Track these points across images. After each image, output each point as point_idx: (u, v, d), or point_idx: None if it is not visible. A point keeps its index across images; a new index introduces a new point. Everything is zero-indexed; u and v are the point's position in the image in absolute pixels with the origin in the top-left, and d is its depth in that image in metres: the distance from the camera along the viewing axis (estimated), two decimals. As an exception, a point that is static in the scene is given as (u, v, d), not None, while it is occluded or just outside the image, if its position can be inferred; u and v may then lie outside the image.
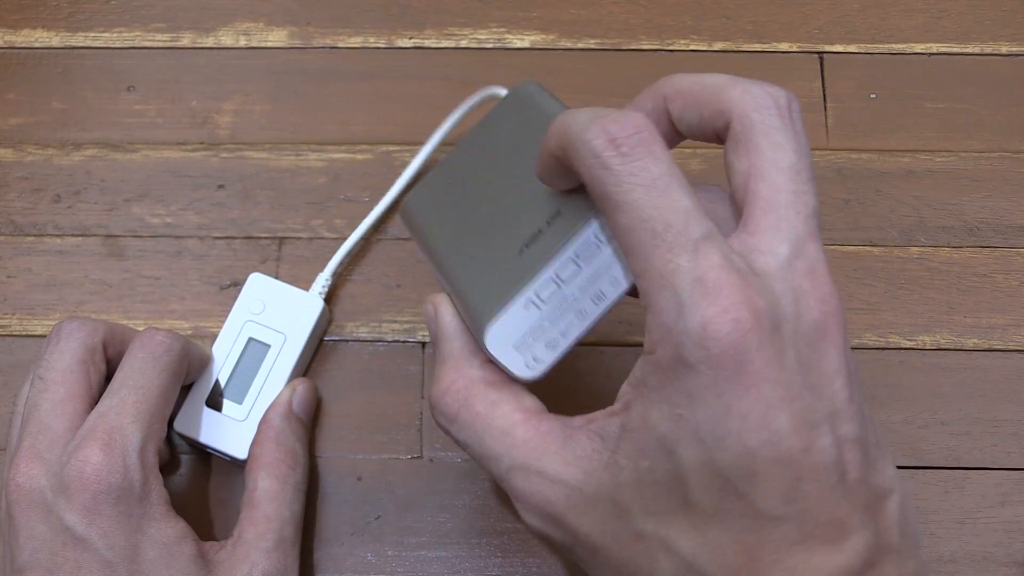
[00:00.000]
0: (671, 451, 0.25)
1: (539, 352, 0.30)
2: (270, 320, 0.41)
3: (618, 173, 0.25)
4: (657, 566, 0.25)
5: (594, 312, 0.31)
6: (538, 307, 0.30)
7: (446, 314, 0.31)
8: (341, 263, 0.43)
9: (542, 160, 0.29)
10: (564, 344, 0.30)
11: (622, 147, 0.25)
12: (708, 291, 0.24)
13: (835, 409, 0.25)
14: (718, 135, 0.28)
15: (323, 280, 0.42)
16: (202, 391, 0.40)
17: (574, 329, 0.30)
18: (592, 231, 0.30)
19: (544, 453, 0.27)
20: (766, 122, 0.26)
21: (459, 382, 0.30)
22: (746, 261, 0.25)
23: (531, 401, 0.29)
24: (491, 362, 0.30)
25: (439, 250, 0.33)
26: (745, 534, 0.24)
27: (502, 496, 0.40)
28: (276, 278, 0.42)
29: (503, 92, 0.41)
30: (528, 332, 0.30)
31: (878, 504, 0.25)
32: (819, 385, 0.25)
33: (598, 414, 0.27)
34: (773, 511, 0.24)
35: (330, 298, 0.43)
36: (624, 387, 0.27)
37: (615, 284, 0.30)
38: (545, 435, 0.28)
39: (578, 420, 0.28)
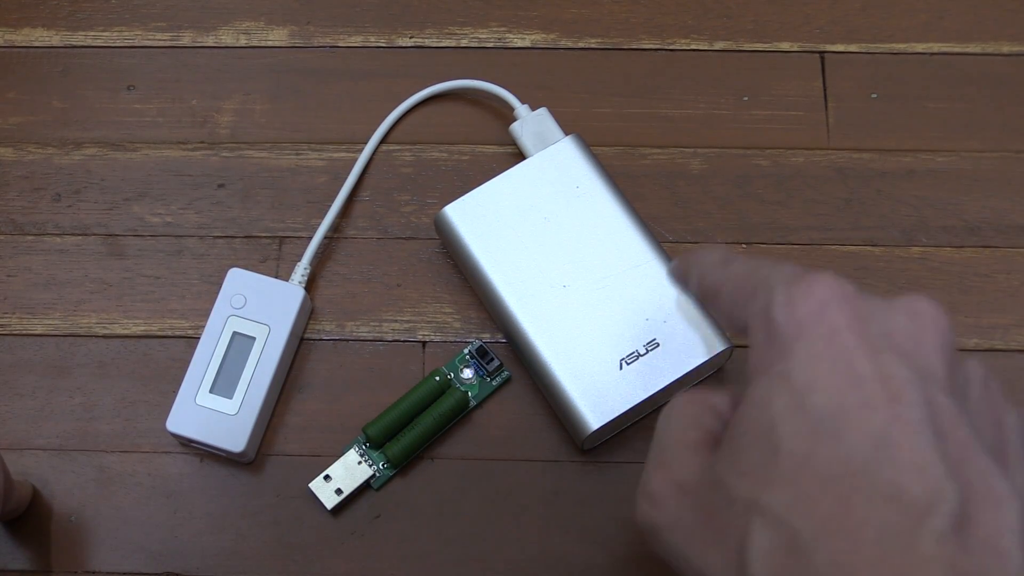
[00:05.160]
0: (766, 404, 0.25)
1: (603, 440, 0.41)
2: (253, 313, 0.41)
3: (727, 272, 0.30)
4: (752, 535, 0.24)
5: (638, 419, 0.41)
6: (627, 419, 0.39)
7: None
8: (316, 253, 0.43)
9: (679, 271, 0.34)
10: (613, 435, 0.41)
11: (729, 259, 0.30)
12: (792, 276, 0.27)
13: (931, 374, 0.25)
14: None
15: (302, 269, 0.42)
16: (191, 390, 0.40)
17: (622, 428, 0.40)
18: (688, 375, 0.39)
19: None
20: None
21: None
22: None
23: None
24: None
25: (497, 285, 0.40)
26: (837, 481, 0.23)
27: (501, 497, 0.40)
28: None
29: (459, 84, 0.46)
30: (608, 430, 0.39)
31: (979, 484, 0.24)
32: (914, 355, 0.25)
33: None
34: (862, 456, 0.23)
35: (311, 286, 0.43)
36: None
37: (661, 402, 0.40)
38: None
39: None
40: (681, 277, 0.34)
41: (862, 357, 0.25)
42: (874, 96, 0.46)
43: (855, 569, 0.22)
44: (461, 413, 0.41)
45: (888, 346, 0.25)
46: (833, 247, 0.44)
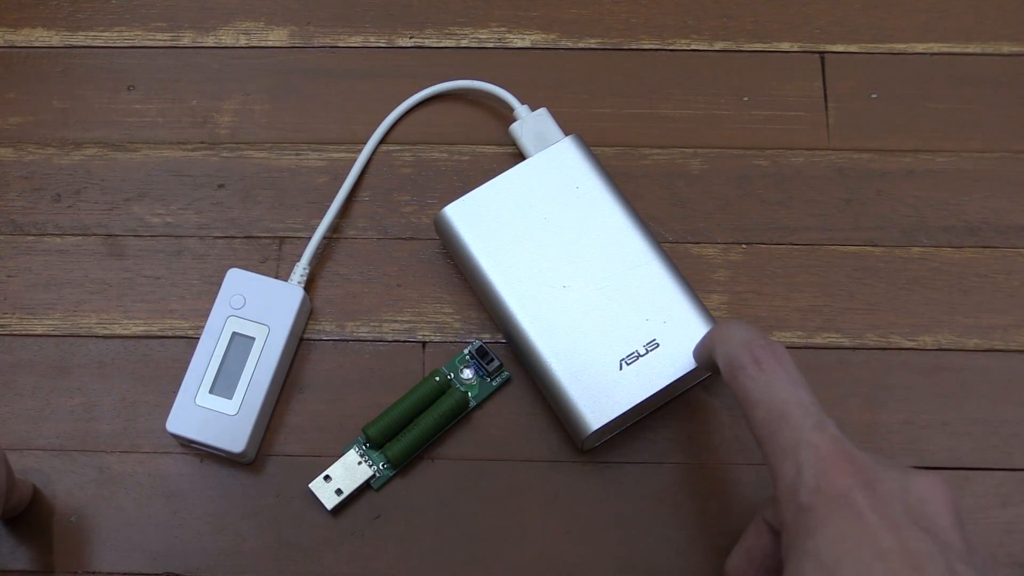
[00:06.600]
0: None
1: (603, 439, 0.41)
2: (252, 313, 0.41)
3: (757, 380, 0.32)
4: None
5: (638, 419, 0.41)
6: (626, 419, 0.39)
7: None
8: (316, 253, 0.43)
9: (700, 352, 0.37)
10: (613, 435, 0.41)
11: (762, 364, 0.32)
12: (820, 456, 0.29)
13: (951, 547, 0.27)
14: None
15: (301, 269, 0.42)
16: (190, 391, 0.40)
17: (622, 428, 0.40)
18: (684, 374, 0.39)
19: None
20: None
21: None
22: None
23: None
24: None
25: (499, 288, 0.40)
26: None
27: (501, 497, 0.40)
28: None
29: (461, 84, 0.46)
30: (608, 430, 0.39)
31: None
32: (933, 530, 0.28)
33: None
34: None
35: (310, 286, 0.43)
36: None
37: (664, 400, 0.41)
38: None
39: None
40: (706, 350, 0.36)
41: (885, 533, 0.27)
42: (874, 96, 0.46)
43: None
44: (461, 413, 0.41)
45: (909, 522, 0.28)
46: (833, 247, 0.44)
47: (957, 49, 0.47)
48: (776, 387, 0.32)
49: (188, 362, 0.41)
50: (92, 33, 0.48)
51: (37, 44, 0.48)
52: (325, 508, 0.39)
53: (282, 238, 0.44)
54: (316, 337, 0.43)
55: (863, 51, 0.47)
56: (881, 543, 0.27)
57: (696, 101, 0.46)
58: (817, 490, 0.29)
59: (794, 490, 0.29)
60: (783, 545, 0.30)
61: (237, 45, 0.48)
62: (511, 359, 0.42)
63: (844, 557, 0.27)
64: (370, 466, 0.40)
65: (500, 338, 0.42)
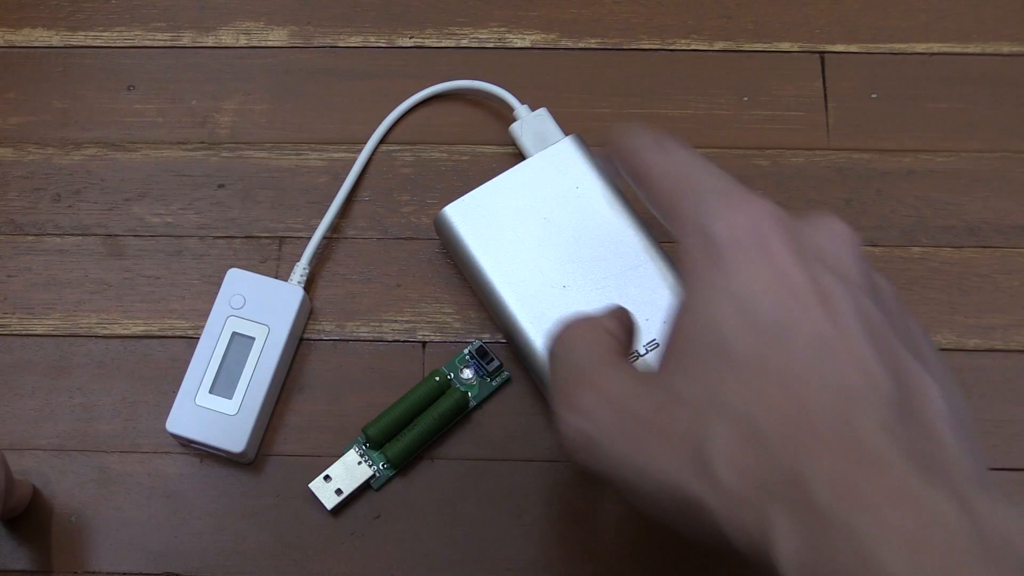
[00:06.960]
0: (709, 316, 0.27)
1: None
2: (252, 313, 0.41)
3: (659, 156, 0.31)
4: (709, 430, 0.26)
5: None
6: None
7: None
8: (316, 253, 0.43)
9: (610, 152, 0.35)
10: None
11: (665, 145, 0.31)
12: (731, 197, 0.29)
13: (855, 284, 0.28)
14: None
15: (300, 269, 0.42)
16: (190, 391, 0.40)
17: None
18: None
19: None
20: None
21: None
22: None
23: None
24: None
25: (495, 284, 0.40)
26: (787, 378, 0.26)
27: (501, 497, 0.40)
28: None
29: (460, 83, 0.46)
30: None
31: (909, 378, 0.26)
32: (839, 269, 0.28)
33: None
34: (807, 355, 0.26)
35: (310, 286, 0.43)
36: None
37: None
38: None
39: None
40: (611, 152, 0.34)
41: (796, 270, 0.27)
42: (874, 96, 0.46)
43: (808, 446, 0.25)
44: (461, 413, 0.41)
45: (816, 259, 0.28)
46: (833, 247, 0.44)
47: (957, 49, 0.47)
48: (683, 160, 0.30)
49: (188, 362, 0.41)
50: (92, 33, 0.48)
51: (37, 44, 0.48)
52: (325, 508, 0.39)
53: (282, 238, 0.44)
54: (316, 337, 0.43)
55: (863, 51, 0.47)
56: (794, 280, 0.27)
57: (696, 101, 0.46)
58: (726, 220, 0.28)
59: (701, 220, 0.28)
60: (685, 273, 0.29)
61: (237, 45, 0.48)
62: (511, 359, 0.42)
63: (760, 294, 0.27)
64: (370, 466, 0.40)
65: (500, 338, 0.42)
